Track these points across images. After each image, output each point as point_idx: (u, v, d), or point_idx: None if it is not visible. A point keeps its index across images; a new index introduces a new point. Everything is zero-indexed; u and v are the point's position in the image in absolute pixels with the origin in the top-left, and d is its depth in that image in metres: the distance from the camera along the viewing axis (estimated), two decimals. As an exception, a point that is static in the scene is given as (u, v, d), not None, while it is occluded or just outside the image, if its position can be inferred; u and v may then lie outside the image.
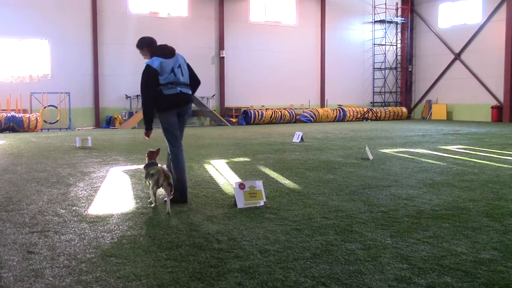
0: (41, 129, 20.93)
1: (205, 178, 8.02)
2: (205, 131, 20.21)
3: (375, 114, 28.52)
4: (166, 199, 5.66)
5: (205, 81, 26.24)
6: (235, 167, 9.20)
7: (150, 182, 5.75)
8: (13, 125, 19.89)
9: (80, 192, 6.84)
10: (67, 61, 22.67)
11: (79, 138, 13.42)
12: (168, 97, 6.05)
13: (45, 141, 15.39)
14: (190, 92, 6.30)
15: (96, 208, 5.85)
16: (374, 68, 31.00)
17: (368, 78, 30.99)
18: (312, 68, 29.08)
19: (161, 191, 6.14)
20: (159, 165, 6.06)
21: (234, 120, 25.45)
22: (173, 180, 5.88)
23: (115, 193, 6.81)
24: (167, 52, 6.20)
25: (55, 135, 17.95)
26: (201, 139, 15.63)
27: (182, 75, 6.19)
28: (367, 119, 28.27)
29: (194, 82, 6.42)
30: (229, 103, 26.68)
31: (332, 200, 6.18)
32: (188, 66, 6.40)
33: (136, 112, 23.25)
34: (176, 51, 6.27)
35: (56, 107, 21.74)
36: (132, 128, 22.12)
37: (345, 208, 5.76)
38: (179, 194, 6.08)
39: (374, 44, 30.80)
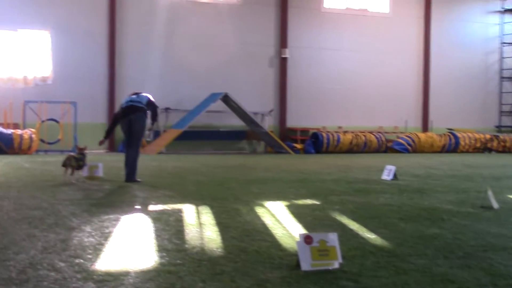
0: (37, 151, 21.41)
1: (257, 226, 8.04)
2: (258, 160, 20.30)
3: (502, 143, 27.92)
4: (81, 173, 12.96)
5: (260, 91, 26.52)
6: (298, 213, 9.18)
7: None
8: (-1, 145, 20.43)
9: (85, 239, 6.98)
10: (74, 60, 23.18)
11: (87, 165, 13.74)
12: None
13: (41, 167, 15.82)
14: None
15: (106, 262, 5.95)
16: (501, 77, 30.46)
17: (492, 91, 30.45)
18: (411, 77, 28.87)
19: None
20: (72, 154, 12.82)
21: (299, 146, 25.49)
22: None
23: (132, 242, 6.92)
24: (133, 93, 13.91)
25: (54, 160, 18.41)
26: (252, 172, 15.70)
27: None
28: (490, 150, 27.72)
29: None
30: (293, 122, 26.76)
31: (438, 266, 6.07)
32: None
33: (164, 131, 23.55)
34: (141, 93, 13.69)
35: (58, 122, 22.17)
36: (159, 153, 22.19)
37: (457, 277, 5.63)
38: (125, 177, 13.19)
39: (503, 43, 30.30)
